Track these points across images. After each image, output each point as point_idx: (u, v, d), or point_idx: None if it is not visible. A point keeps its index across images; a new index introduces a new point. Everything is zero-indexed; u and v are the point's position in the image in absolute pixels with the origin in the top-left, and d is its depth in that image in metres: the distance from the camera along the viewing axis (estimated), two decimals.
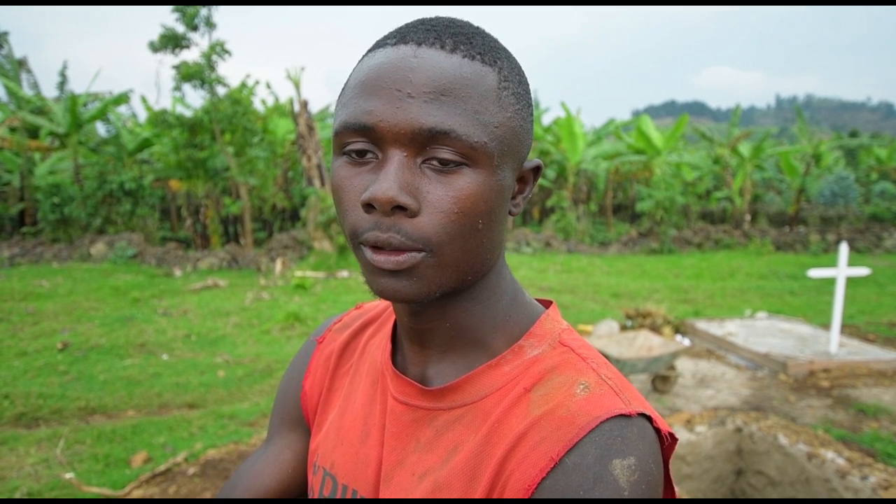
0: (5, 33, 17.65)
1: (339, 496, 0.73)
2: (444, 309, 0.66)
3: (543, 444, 0.56)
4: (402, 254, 0.57)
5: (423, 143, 0.56)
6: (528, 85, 0.65)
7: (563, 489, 0.54)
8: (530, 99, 0.64)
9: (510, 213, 0.65)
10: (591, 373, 0.62)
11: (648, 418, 0.58)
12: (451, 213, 0.57)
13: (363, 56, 0.62)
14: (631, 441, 0.55)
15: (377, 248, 0.58)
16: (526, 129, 0.62)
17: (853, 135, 29.24)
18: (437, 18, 0.62)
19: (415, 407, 0.68)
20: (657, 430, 0.59)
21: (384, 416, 0.71)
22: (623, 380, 0.63)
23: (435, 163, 0.57)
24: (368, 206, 0.57)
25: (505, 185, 0.61)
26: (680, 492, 3.75)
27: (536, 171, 0.67)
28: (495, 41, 0.62)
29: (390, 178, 0.55)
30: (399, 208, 0.56)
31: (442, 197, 0.57)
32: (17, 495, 3.59)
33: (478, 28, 0.63)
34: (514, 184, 0.64)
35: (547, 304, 0.74)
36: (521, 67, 0.64)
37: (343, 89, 0.61)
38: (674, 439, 0.60)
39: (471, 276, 0.63)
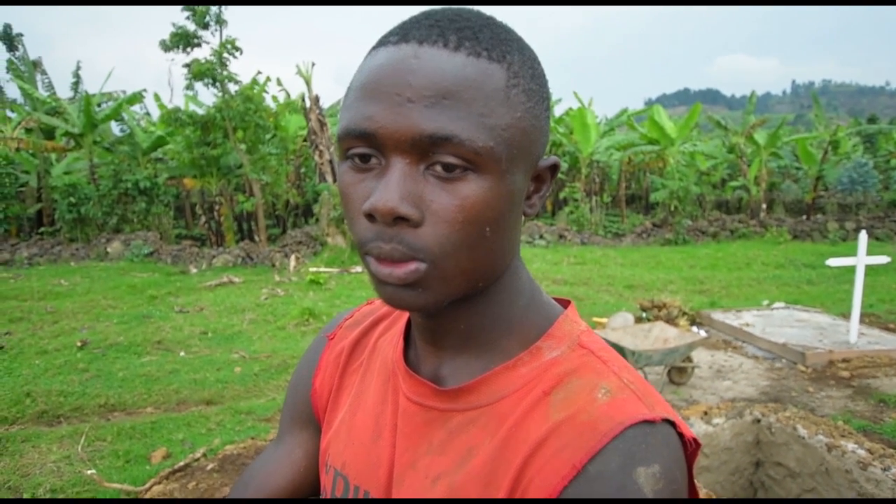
0: (19, 35, 17.83)
1: (351, 497, 0.71)
2: (458, 311, 0.64)
3: (565, 451, 0.55)
4: (405, 266, 0.55)
5: (424, 149, 0.53)
6: (543, 78, 0.61)
7: (587, 498, 0.52)
8: (545, 93, 0.61)
9: (525, 213, 0.63)
10: (613, 376, 0.60)
11: (672, 423, 0.57)
12: (456, 223, 0.55)
13: (367, 54, 0.60)
14: (655, 448, 0.54)
15: (381, 258, 0.56)
16: (539, 126, 0.59)
17: (871, 120, 28.78)
18: (444, 11, 0.58)
19: (428, 407, 0.66)
20: (680, 436, 0.57)
21: (396, 415, 0.69)
22: (645, 383, 0.61)
23: (439, 169, 0.54)
24: (371, 217, 0.55)
25: (516, 188, 0.58)
26: (698, 486, 3.73)
27: (553, 168, 0.64)
28: (507, 32, 0.59)
29: (391, 187, 0.53)
30: (401, 219, 0.54)
31: (446, 206, 0.54)
32: (41, 491, 3.65)
33: (487, 19, 0.59)
34: (529, 184, 0.62)
35: (565, 303, 0.72)
36: (535, 60, 0.61)
37: (347, 91, 0.59)
38: (697, 444, 0.59)
39: (481, 283, 0.61)
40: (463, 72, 0.54)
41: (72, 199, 14.07)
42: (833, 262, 6.01)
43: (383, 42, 0.58)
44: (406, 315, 0.77)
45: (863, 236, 5.87)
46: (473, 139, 0.53)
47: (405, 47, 0.55)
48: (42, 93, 17.14)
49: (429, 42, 0.55)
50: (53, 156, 17.14)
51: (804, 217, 18.90)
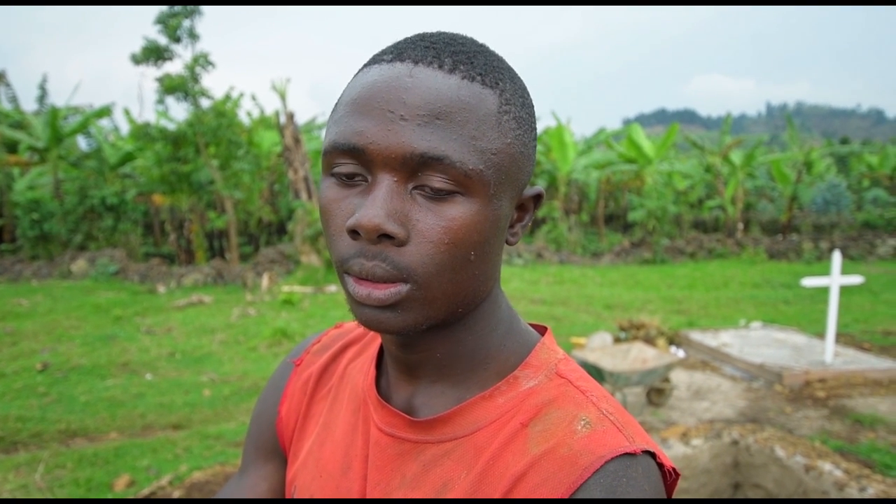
0: None
1: None
2: (435, 339, 0.63)
3: (545, 486, 0.54)
4: (385, 288, 0.55)
5: (414, 168, 0.53)
6: (532, 108, 0.62)
7: None
8: (534, 123, 0.62)
9: (507, 242, 0.63)
10: (592, 407, 0.59)
11: (652, 455, 0.57)
12: (441, 244, 0.54)
13: (358, 71, 0.60)
14: (636, 482, 0.54)
15: (361, 277, 0.55)
16: (527, 154, 0.60)
17: (844, 142, 29.49)
18: (439, 34, 0.59)
19: (401, 439, 0.65)
20: (660, 466, 0.57)
21: (367, 447, 0.67)
22: (624, 413, 0.61)
23: (427, 190, 0.54)
24: (354, 233, 0.54)
25: (501, 214, 0.58)
26: None
27: (537, 198, 0.64)
28: (500, 61, 0.60)
29: (377, 204, 0.53)
30: (386, 236, 0.54)
31: (432, 226, 0.54)
32: None
33: (481, 46, 0.60)
34: (513, 212, 0.62)
35: (542, 329, 0.71)
36: (525, 89, 0.62)
37: (335, 106, 0.59)
38: (677, 475, 0.59)
39: (461, 309, 0.61)
40: (457, 94, 0.54)
41: (34, 216, 13.82)
42: (808, 281, 6.04)
43: (376, 60, 0.58)
44: (377, 340, 0.75)
45: (836, 256, 5.91)
46: (464, 161, 0.53)
47: (400, 66, 0.55)
48: (6, 105, 16.84)
49: (424, 62, 0.55)
50: (16, 170, 16.81)
51: (780, 237, 19.18)
